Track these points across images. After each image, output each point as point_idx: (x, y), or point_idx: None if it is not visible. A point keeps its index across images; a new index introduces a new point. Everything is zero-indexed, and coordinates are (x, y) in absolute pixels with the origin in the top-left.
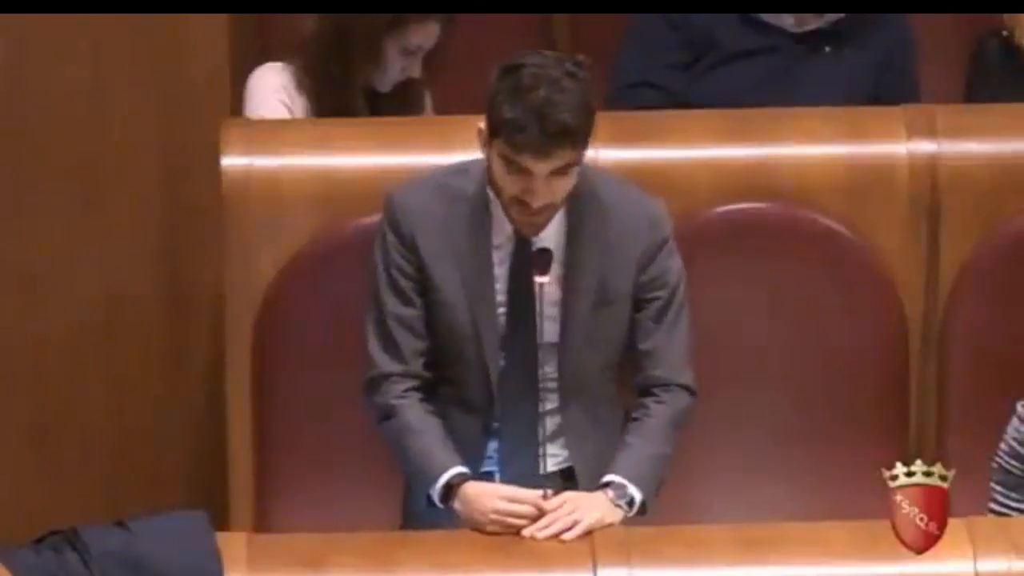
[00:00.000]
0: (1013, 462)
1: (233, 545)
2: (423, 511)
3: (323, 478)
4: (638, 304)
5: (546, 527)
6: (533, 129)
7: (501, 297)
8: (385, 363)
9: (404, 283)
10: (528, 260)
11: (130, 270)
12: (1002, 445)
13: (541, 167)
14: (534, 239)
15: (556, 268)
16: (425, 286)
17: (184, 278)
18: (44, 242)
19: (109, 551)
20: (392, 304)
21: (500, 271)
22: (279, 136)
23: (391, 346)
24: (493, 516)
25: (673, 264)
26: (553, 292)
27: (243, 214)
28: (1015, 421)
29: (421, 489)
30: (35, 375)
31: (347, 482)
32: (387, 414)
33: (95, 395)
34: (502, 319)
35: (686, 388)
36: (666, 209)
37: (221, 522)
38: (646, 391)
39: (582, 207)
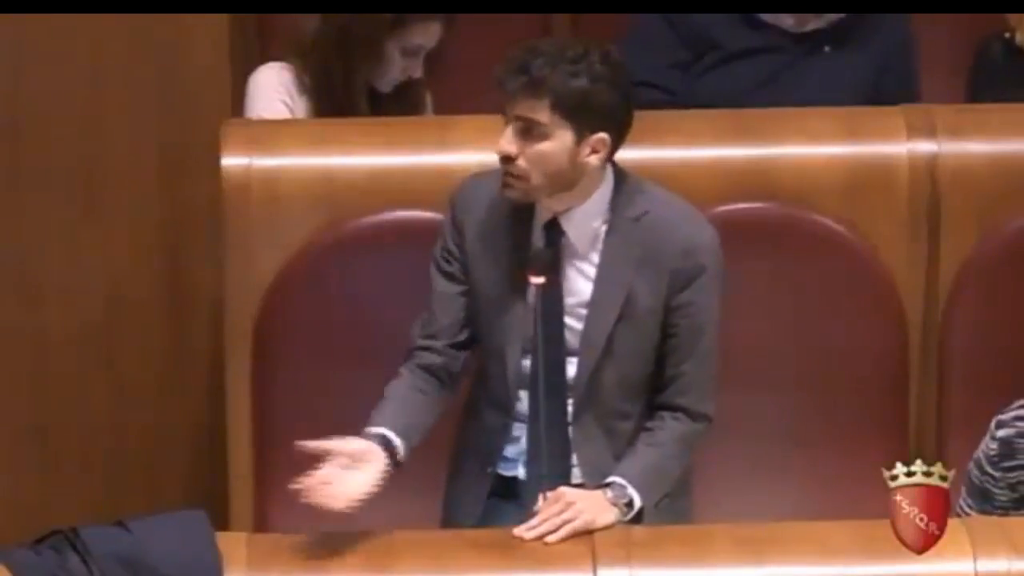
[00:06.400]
0: (975, 471)
1: (233, 545)
2: (460, 509)
3: None
4: (668, 328)
5: (535, 527)
6: (506, 70)
7: (532, 297)
8: (414, 339)
9: (444, 265)
10: (554, 259)
11: (130, 270)
12: (975, 454)
13: (509, 108)
14: (563, 242)
15: (589, 275)
16: (466, 273)
17: (184, 278)
18: (44, 242)
19: (109, 551)
20: (438, 281)
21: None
22: (279, 136)
23: (426, 322)
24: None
25: (709, 297)
26: (582, 299)
27: (243, 214)
28: (987, 435)
29: None
30: (36, 375)
31: None
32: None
33: (95, 395)
34: (531, 317)
35: (706, 417)
36: (717, 242)
37: (221, 522)
38: (666, 409)
39: (623, 221)
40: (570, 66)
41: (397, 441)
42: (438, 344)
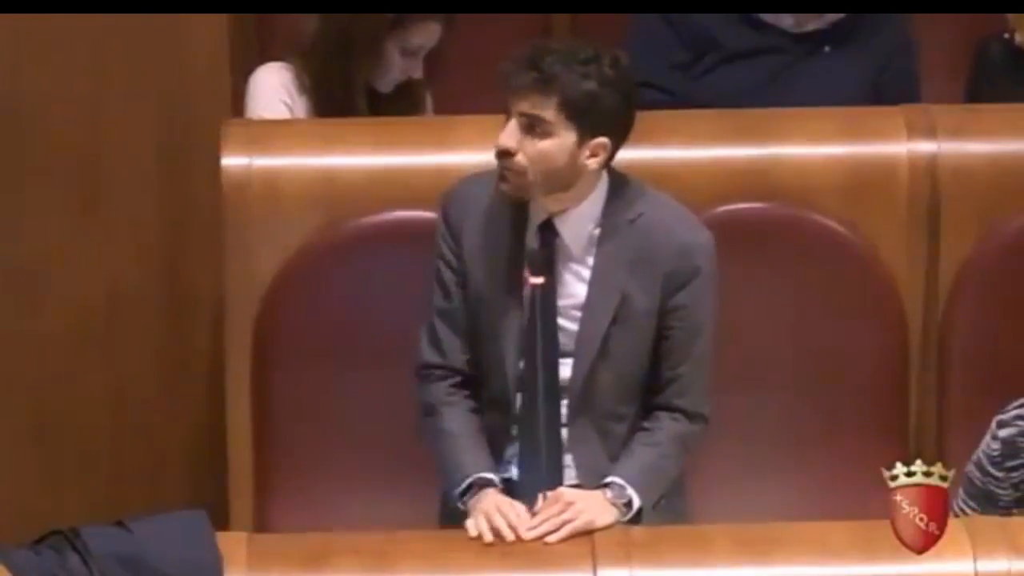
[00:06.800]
0: (976, 472)
1: (233, 545)
2: (458, 509)
3: (323, 478)
4: (664, 330)
5: (534, 527)
6: (515, 65)
7: (527, 298)
8: (428, 354)
9: (447, 275)
10: (548, 261)
11: (130, 270)
12: (973, 455)
13: (513, 104)
14: (558, 243)
15: (583, 277)
16: (465, 282)
17: (184, 278)
18: (44, 242)
19: (109, 551)
20: (437, 297)
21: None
22: (279, 136)
23: (435, 338)
24: (483, 515)
25: (704, 299)
26: (577, 301)
27: (243, 214)
28: (988, 436)
29: (448, 490)
30: (35, 375)
31: (347, 482)
32: (428, 412)
33: (95, 395)
34: (526, 318)
35: (703, 418)
36: (712, 245)
37: (221, 522)
38: (663, 410)
39: (618, 223)
40: (581, 67)
41: (495, 477)
42: (457, 364)
